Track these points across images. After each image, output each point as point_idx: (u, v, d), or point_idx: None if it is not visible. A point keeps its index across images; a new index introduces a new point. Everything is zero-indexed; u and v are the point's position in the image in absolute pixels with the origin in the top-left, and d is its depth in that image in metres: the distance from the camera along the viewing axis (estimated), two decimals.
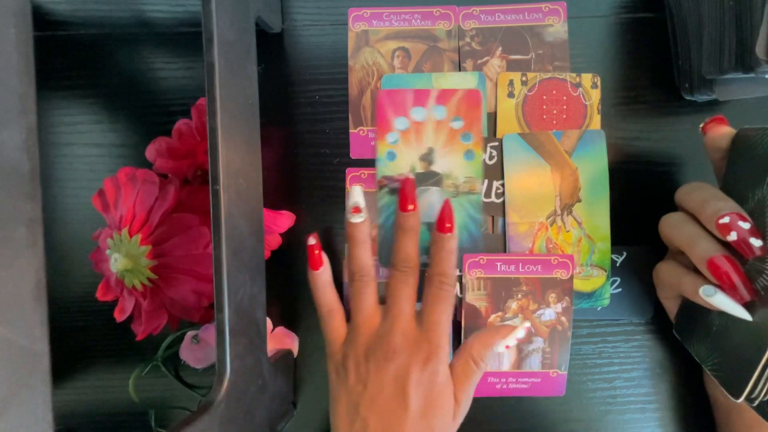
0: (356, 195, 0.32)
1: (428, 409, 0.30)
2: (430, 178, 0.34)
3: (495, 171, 0.35)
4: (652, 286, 0.34)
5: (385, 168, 0.34)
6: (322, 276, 0.33)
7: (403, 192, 0.32)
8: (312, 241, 0.33)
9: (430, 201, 0.34)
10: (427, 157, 0.34)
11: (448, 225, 0.32)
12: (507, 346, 0.32)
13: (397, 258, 0.32)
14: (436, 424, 0.30)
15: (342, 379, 0.31)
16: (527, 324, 0.32)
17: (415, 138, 0.34)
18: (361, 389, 0.30)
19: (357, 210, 0.31)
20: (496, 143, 0.35)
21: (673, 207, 0.31)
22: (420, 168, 0.34)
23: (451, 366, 0.31)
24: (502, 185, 0.35)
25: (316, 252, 0.33)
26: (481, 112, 0.34)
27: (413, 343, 0.31)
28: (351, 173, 0.35)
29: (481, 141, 0.34)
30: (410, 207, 0.32)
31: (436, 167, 0.34)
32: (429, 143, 0.34)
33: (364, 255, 0.32)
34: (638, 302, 0.35)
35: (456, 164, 0.34)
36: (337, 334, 0.32)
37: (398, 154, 0.34)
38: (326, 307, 0.33)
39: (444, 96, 0.34)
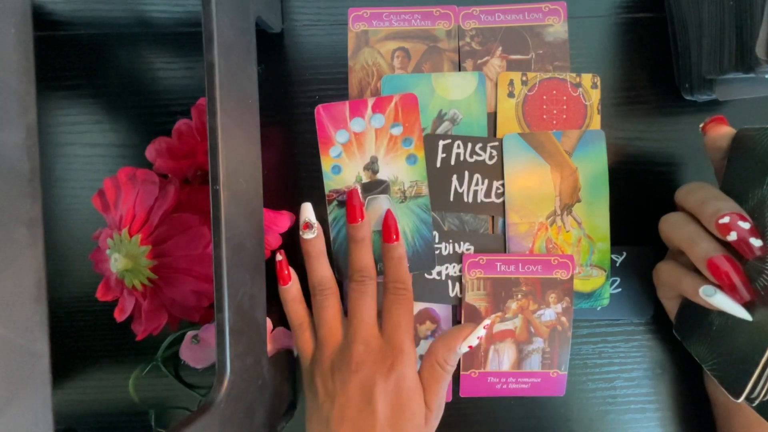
0: (306, 212, 0.33)
1: (398, 416, 0.29)
2: (377, 186, 0.34)
3: (495, 171, 0.35)
4: (652, 286, 0.34)
5: (332, 182, 0.34)
6: (291, 290, 0.33)
7: (349, 203, 0.32)
8: (279, 257, 0.33)
9: (379, 209, 0.34)
10: (372, 166, 0.34)
11: (394, 235, 0.32)
12: (470, 347, 0.31)
13: (354, 269, 0.32)
14: (408, 429, 0.30)
15: (312, 394, 0.31)
16: (487, 322, 0.32)
17: (357, 149, 0.34)
18: (330, 404, 0.30)
19: (307, 226, 0.32)
20: (496, 143, 0.35)
21: (673, 207, 0.31)
22: (366, 178, 0.34)
23: (419, 372, 0.31)
24: (502, 185, 0.35)
25: (286, 272, 0.33)
26: (419, 115, 0.34)
27: (376, 352, 0.30)
28: None
29: (422, 144, 0.34)
30: (359, 218, 0.32)
31: (381, 175, 0.34)
32: (371, 152, 0.34)
33: (321, 268, 0.33)
34: (638, 302, 0.35)
35: (400, 170, 0.34)
36: (307, 349, 0.33)
37: (343, 166, 0.34)
38: (296, 321, 0.33)
39: (380, 104, 0.34)
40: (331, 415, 0.30)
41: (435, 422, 0.32)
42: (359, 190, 0.34)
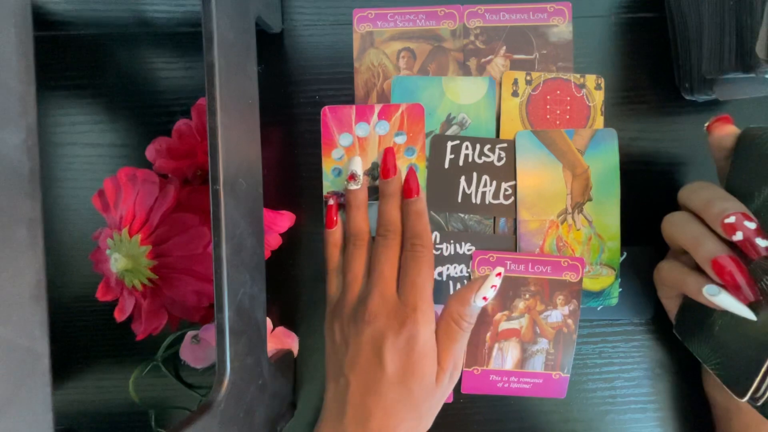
0: (354, 164, 0.33)
1: (407, 373, 0.29)
2: (377, 192, 0.34)
3: (503, 172, 0.35)
4: (652, 286, 0.34)
5: (331, 184, 0.34)
6: (335, 234, 0.34)
7: (384, 161, 0.33)
8: (331, 201, 0.34)
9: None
10: (373, 172, 0.34)
11: (414, 191, 0.32)
12: (485, 298, 0.31)
13: (380, 223, 0.33)
14: (415, 388, 0.30)
15: (330, 338, 0.32)
16: (499, 270, 0.31)
17: (359, 154, 0.34)
18: (344, 349, 0.31)
19: (352, 178, 0.33)
20: (505, 144, 0.35)
21: (674, 207, 0.31)
22: (366, 183, 0.34)
23: (436, 331, 0.31)
24: (511, 187, 0.35)
25: (335, 217, 0.34)
26: (424, 126, 0.34)
27: (390, 307, 0.30)
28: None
29: (424, 155, 0.34)
30: (391, 174, 0.33)
31: None
32: (374, 158, 0.34)
33: (359, 220, 0.33)
34: (638, 302, 0.35)
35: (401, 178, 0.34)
36: (333, 293, 0.33)
37: (344, 170, 0.34)
38: (330, 265, 0.34)
39: (387, 111, 0.34)
40: (345, 359, 0.30)
41: (448, 381, 0.31)
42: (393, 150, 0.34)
